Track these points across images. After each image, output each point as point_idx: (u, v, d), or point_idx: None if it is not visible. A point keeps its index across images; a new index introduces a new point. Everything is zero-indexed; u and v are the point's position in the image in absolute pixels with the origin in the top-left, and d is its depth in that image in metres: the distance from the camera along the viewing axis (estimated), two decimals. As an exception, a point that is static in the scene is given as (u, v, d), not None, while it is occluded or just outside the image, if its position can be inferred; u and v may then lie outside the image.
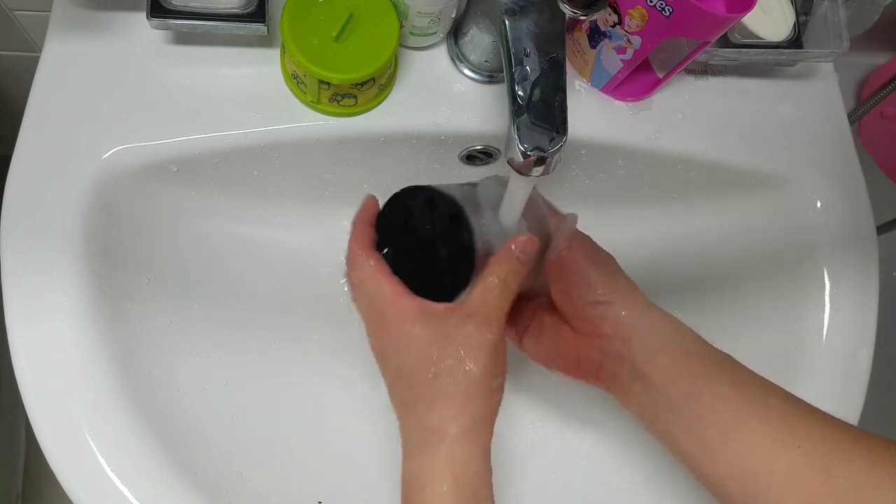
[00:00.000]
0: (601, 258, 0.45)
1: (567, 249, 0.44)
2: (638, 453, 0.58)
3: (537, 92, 0.39)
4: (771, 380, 0.41)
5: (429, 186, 0.42)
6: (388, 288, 0.40)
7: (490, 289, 0.39)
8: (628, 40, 0.50)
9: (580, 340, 0.44)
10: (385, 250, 0.42)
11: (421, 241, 0.42)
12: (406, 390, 0.40)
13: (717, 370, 0.41)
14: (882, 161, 0.85)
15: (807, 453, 0.37)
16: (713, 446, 0.40)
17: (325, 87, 0.48)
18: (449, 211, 0.41)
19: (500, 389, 0.39)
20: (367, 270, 0.41)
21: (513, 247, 0.40)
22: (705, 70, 0.59)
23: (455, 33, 0.54)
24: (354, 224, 0.43)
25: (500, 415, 0.58)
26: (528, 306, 0.48)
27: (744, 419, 0.39)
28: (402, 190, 0.43)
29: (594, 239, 0.47)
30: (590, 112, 0.55)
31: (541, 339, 0.47)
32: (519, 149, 0.38)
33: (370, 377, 0.58)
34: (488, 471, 0.38)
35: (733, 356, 0.42)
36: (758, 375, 0.41)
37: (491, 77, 0.54)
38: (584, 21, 0.53)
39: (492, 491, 0.38)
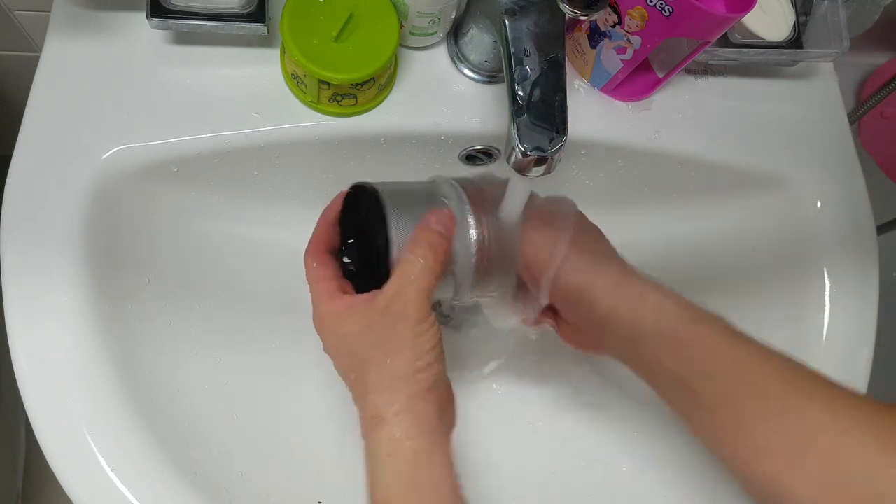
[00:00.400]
0: (561, 245, 0.44)
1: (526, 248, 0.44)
2: (638, 453, 0.58)
3: (537, 92, 0.39)
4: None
5: (364, 185, 0.43)
6: (323, 291, 0.41)
7: (406, 271, 0.39)
8: (628, 40, 0.50)
9: (573, 326, 0.47)
10: (342, 249, 0.43)
11: (361, 239, 0.43)
12: (350, 386, 0.41)
13: (711, 354, 0.41)
14: (882, 161, 0.85)
15: (808, 434, 0.36)
16: (717, 431, 0.40)
17: (325, 87, 0.48)
18: (377, 208, 0.41)
19: (427, 368, 0.39)
20: (309, 274, 0.42)
21: (430, 223, 0.40)
22: (705, 70, 0.59)
23: (455, 33, 0.54)
24: (316, 224, 0.44)
25: (501, 415, 0.59)
26: None
27: (738, 401, 0.39)
28: (352, 186, 0.43)
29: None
30: (590, 112, 0.55)
31: (562, 325, 0.49)
32: (519, 149, 0.38)
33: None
34: (433, 442, 0.39)
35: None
36: (756, 346, 0.41)
37: (491, 77, 0.54)
38: (584, 21, 0.53)
39: (441, 462, 0.39)
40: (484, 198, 0.44)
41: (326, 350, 0.42)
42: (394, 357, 0.39)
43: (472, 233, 0.43)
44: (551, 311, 0.48)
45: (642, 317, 0.42)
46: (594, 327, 0.44)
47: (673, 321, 0.42)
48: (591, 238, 0.46)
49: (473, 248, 0.43)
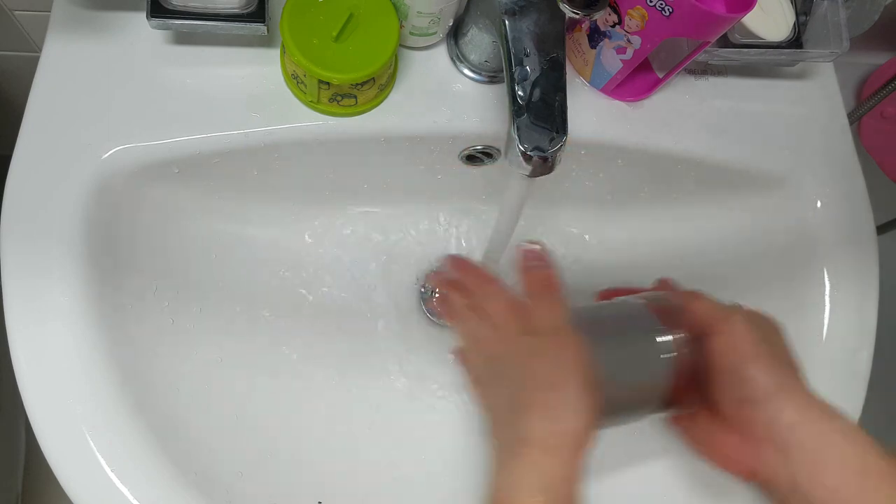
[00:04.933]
0: (760, 346, 0.40)
1: (722, 337, 0.40)
2: (638, 454, 0.58)
3: (537, 92, 0.39)
4: None
5: None
6: None
7: None
8: (628, 40, 0.50)
9: (731, 437, 0.40)
10: None
11: None
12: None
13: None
14: (882, 161, 0.85)
15: None
16: None
17: (325, 87, 0.48)
18: None
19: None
20: None
21: None
22: (705, 70, 0.59)
23: (455, 33, 0.54)
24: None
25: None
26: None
27: None
28: None
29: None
30: (590, 112, 0.55)
31: (692, 426, 0.44)
32: (519, 149, 0.38)
33: (370, 377, 0.58)
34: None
35: None
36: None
37: (491, 77, 0.54)
38: (584, 21, 0.53)
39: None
40: None
41: None
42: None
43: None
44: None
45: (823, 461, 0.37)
46: (773, 479, 0.38)
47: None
48: (766, 338, 0.41)
49: None
